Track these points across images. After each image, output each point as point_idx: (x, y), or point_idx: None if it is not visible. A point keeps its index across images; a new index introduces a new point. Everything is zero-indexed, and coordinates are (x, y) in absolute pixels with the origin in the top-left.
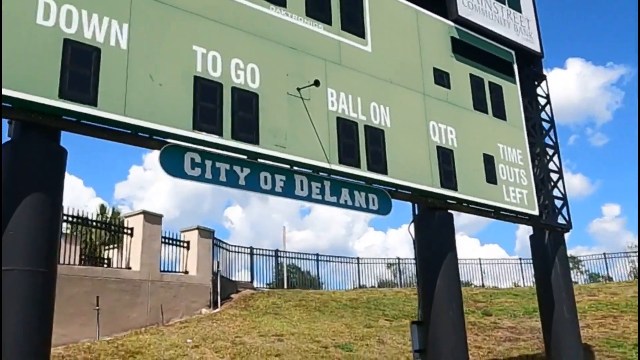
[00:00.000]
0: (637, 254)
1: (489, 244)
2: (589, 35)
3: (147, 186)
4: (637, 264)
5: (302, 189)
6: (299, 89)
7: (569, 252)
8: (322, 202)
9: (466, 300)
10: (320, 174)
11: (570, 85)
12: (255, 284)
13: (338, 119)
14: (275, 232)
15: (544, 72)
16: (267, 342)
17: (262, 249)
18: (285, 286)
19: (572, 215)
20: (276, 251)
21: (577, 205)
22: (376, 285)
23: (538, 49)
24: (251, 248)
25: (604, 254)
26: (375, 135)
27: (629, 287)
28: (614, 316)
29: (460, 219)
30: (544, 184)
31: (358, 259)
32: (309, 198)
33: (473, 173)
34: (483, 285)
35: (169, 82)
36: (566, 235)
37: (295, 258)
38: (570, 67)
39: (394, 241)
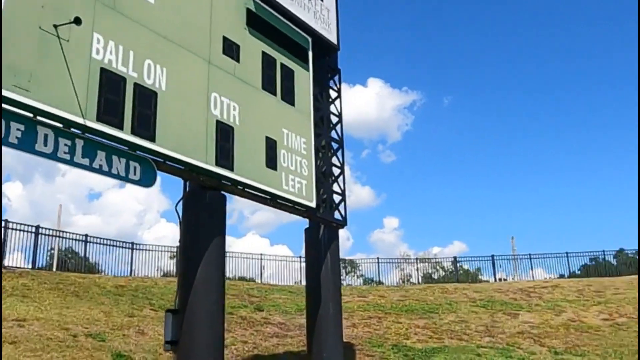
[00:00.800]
0: (429, 260)
1: (278, 245)
2: (390, 59)
3: None
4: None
5: (45, 145)
6: (55, 26)
7: (350, 258)
8: (71, 163)
9: (241, 294)
10: (73, 130)
11: (369, 103)
12: (10, 263)
13: (102, 70)
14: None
15: (338, 66)
16: (4, 327)
17: (19, 224)
18: (55, 269)
19: (357, 224)
20: (37, 227)
21: (362, 216)
22: (159, 275)
23: (335, 41)
24: (6, 221)
25: (378, 258)
26: (146, 97)
27: (396, 291)
28: (378, 317)
29: (254, 218)
30: (325, 177)
31: (132, 244)
32: (53, 156)
33: (253, 155)
34: (261, 281)
35: None
36: (349, 241)
37: (60, 237)
38: (371, 86)
39: None
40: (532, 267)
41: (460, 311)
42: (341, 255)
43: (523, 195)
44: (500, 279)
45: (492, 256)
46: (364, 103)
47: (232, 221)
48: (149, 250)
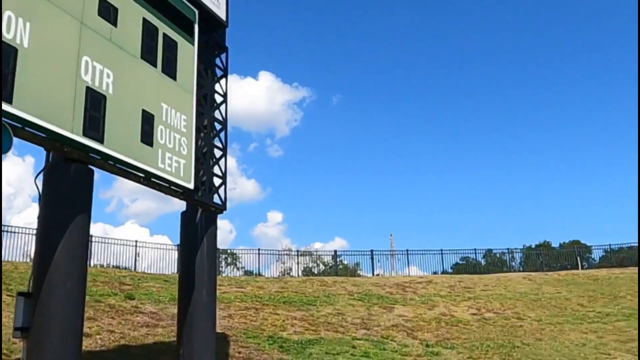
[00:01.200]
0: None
1: (159, 235)
2: (282, 54)
3: None
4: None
5: None
6: None
7: (231, 249)
8: None
9: (111, 282)
10: None
11: (259, 96)
12: None
13: None
14: None
15: (226, 44)
16: None
17: None
18: None
19: (241, 217)
20: None
21: (247, 209)
22: (27, 261)
23: (224, 17)
24: None
25: (259, 249)
26: (4, 52)
27: (275, 282)
28: (256, 308)
29: (134, 206)
30: (205, 158)
31: None
32: None
33: (126, 128)
34: (135, 269)
35: None
36: (232, 234)
37: None
38: (262, 79)
39: None
40: (408, 263)
41: (338, 304)
42: (223, 248)
43: (403, 194)
44: (378, 274)
45: (372, 251)
46: (254, 96)
47: (110, 209)
48: (11, 232)
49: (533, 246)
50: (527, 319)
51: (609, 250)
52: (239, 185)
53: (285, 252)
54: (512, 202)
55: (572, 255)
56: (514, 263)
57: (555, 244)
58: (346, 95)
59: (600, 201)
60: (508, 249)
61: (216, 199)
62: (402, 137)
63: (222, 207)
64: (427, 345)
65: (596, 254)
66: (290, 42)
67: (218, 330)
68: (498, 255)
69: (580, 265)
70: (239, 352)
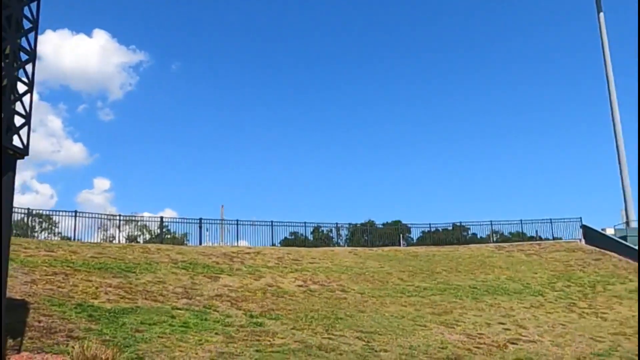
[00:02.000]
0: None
1: None
2: (121, 14)
3: None
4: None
5: None
6: None
7: (43, 211)
8: None
9: None
10: None
11: (91, 55)
12: None
13: None
14: None
15: None
16: None
17: None
18: None
19: (64, 182)
20: None
21: (71, 174)
22: None
23: None
24: None
25: (75, 211)
26: None
27: (91, 247)
28: (65, 274)
29: None
30: (5, 92)
31: None
32: None
33: None
34: None
35: None
36: (53, 199)
37: None
38: (96, 38)
39: None
40: (238, 236)
41: (159, 272)
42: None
43: (236, 169)
44: (206, 245)
45: (200, 219)
46: (86, 54)
47: None
48: None
49: (359, 224)
50: (351, 291)
51: (427, 230)
52: (64, 148)
53: (107, 216)
54: (340, 183)
55: (394, 234)
56: (340, 241)
57: (379, 223)
58: (185, 63)
59: (418, 185)
60: (336, 223)
61: (16, 141)
62: (237, 110)
63: (23, 152)
64: (252, 316)
65: (415, 233)
66: (130, 2)
67: (17, 296)
68: (325, 231)
69: (401, 243)
70: (40, 321)
